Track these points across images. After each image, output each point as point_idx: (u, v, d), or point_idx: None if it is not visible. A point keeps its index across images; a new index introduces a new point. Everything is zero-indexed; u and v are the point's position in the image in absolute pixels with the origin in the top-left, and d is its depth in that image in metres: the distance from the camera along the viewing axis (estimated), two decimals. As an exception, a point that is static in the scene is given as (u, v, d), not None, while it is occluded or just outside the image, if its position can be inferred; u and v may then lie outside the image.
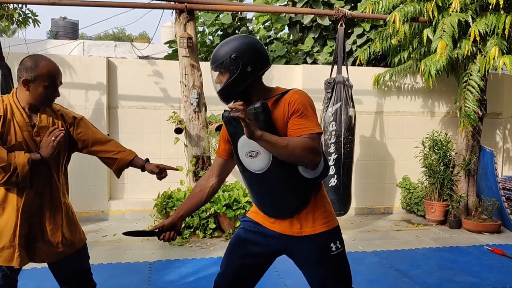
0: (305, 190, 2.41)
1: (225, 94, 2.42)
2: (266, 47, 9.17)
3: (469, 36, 6.10)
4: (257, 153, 2.36)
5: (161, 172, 2.84)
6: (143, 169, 2.84)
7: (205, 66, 6.33)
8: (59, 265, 2.73)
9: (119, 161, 2.83)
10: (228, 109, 2.32)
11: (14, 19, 7.57)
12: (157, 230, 2.51)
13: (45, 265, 2.78)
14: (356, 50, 8.20)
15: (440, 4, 6.20)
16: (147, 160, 2.87)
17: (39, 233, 2.62)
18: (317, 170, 2.37)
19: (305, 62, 8.51)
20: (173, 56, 8.77)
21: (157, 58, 10.54)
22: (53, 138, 2.55)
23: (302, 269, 2.52)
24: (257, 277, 2.60)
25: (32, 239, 2.60)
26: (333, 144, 6.05)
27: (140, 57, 12.32)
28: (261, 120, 2.30)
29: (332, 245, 2.42)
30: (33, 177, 2.54)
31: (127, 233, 2.60)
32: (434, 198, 6.93)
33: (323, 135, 6.13)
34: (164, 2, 6.14)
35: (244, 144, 2.39)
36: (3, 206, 2.54)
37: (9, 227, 2.52)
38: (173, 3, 5.96)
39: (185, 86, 5.98)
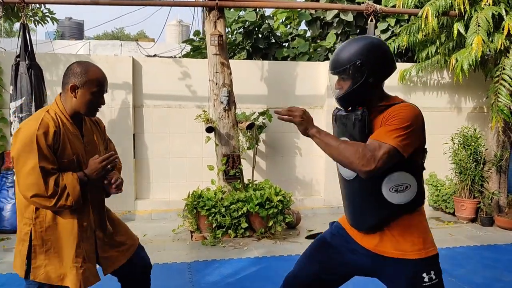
0: (384, 213, 2.25)
1: (345, 101, 2.31)
2: (287, 44, 9.08)
3: (503, 29, 6.00)
4: None
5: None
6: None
7: (234, 64, 6.25)
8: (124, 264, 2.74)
9: None
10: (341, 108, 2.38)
11: (32, 19, 7.49)
12: None
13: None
14: (379, 45, 8.09)
15: (472, -2, 6.10)
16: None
17: (105, 243, 2.65)
18: (405, 196, 2.20)
19: (327, 59, 8.41)
20: (193, 55, 8.70)
21: (167, 57, 10.45)
22: (109, 167, 2.50)
23: None
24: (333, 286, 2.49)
25: (99, 252, 2.61)
26: (365, 141, 5.95)
27: (147, 56, 12.25)
28: (357, 127, 2.22)
29: (424, 275, 2.21)
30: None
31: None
32: (465, 195, 6.82)
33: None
34: (194, 0, 6.05)
35: None
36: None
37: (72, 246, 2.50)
38: (203, 0, 5.85)
39: (216, 84, 5.88)
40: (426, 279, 2.21)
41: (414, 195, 2.23)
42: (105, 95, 2.55)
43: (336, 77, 2.31)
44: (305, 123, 2.17)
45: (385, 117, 2.17)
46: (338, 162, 2.18)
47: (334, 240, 2.46)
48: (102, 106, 2.54)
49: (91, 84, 2.43)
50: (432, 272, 2.23)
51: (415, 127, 2.14)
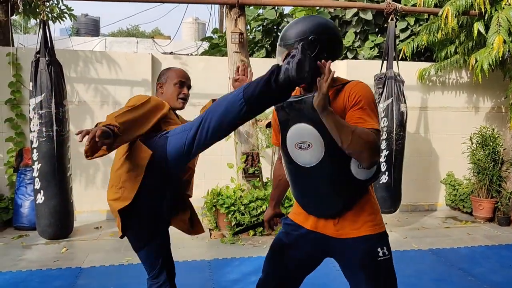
0: (353, 191, 2.24)
1: None
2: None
3: (523, 29, 5.97)
4: (309, 145, 2.18)
5: None
6: None
7: (253, 62, 6.28)
8: None
9: None
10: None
11: (50, 15, 7.55)
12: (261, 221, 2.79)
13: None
14: (398, 44, 8.07)
15: (493, -3, 6.07)
16: None
17: None
18: (370, 171, 2.20)
19: (345, 57, 8.41)
20: (212, 52, 8.74)
21: (183, 54, 10.52)
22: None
23: (345, 273, 2.36)
24: (300, 280, 2.50)
25: None
26: (384, 141, 5.96)
27: (163, 53, 12.33)
28: None
29: (379, 250, 2.23)
30: None
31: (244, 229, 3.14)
32: (482, 195, 6.81)
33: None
34: (215, -3, 6.09)
35: (295, 134, 2.23)
36: None
37: None
38: (223, -2, 5.89)
39: (235, 82, 5.90)
40: (380, 254, 2.22)
41: (375, 170, 2.24)
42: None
43: (285, 52, 2.22)
44: (327, 98, 2.01)
45: (348, 98, 2.13)
46: (344, 148, 2.03)
47: (288, 238, 2.43)
48: (187, 98, 2.88)
49: (172, 77, 2.85)
50: (385, 248, 2.25)
51: (375, 103, 2.18)
